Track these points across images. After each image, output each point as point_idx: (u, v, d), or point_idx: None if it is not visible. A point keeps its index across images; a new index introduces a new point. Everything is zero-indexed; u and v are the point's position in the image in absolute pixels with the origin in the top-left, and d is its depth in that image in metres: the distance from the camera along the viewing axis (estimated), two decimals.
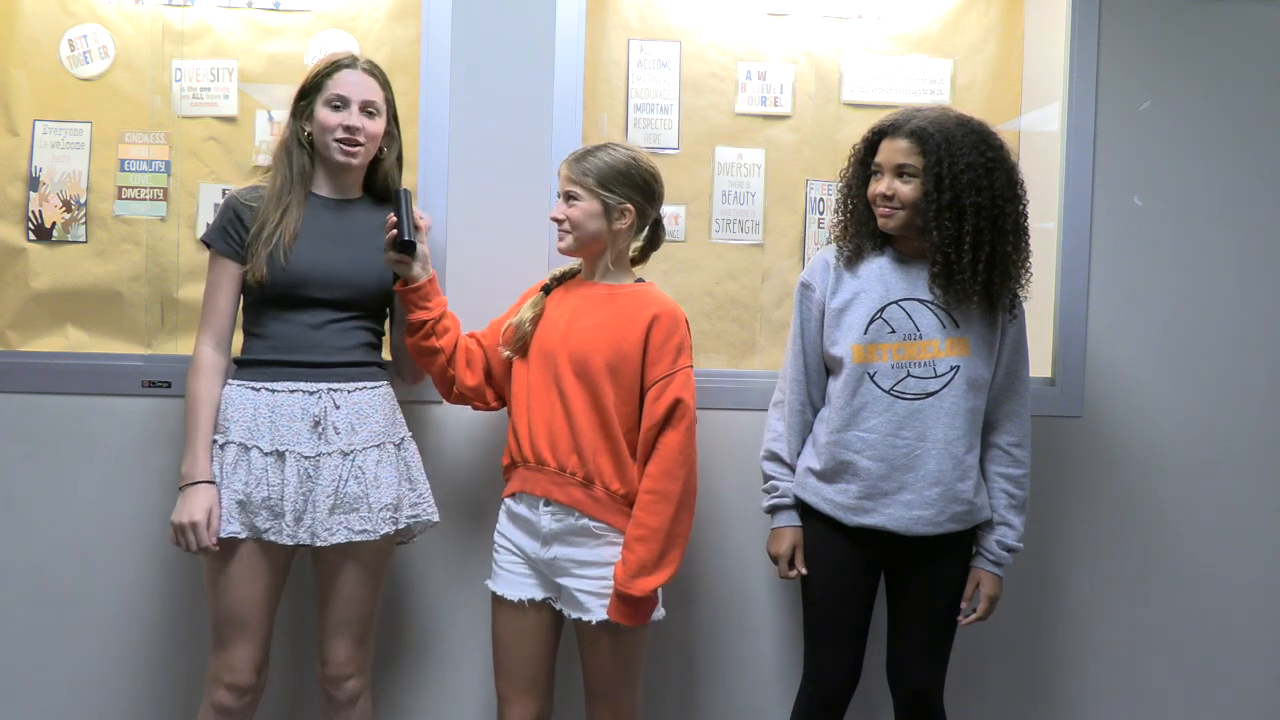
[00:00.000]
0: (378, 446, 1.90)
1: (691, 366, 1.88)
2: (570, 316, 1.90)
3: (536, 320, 1.93)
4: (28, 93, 2.30)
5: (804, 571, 1.96)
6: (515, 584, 1.91)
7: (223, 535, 1.82)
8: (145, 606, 2.19)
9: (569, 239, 1.91)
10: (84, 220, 2.31)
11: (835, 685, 1.94)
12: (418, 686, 2.25)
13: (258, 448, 1.84)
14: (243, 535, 1.83)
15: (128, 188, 2.31)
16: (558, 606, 1.91)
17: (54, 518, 2.17)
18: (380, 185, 2.01)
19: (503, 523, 1.96)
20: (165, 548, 2.17)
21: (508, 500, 1.95)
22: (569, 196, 1.89)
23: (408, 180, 2.30)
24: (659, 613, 1.88)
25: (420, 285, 1.91)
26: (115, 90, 2.31)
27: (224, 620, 1.86)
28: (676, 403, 1.82)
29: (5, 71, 2.29)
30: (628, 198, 1.88)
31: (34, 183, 2.29)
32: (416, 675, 2.25)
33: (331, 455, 1.85)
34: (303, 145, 1.94)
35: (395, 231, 1.85)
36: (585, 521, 1.85)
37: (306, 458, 1.84)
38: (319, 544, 1.83)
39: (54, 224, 2.30)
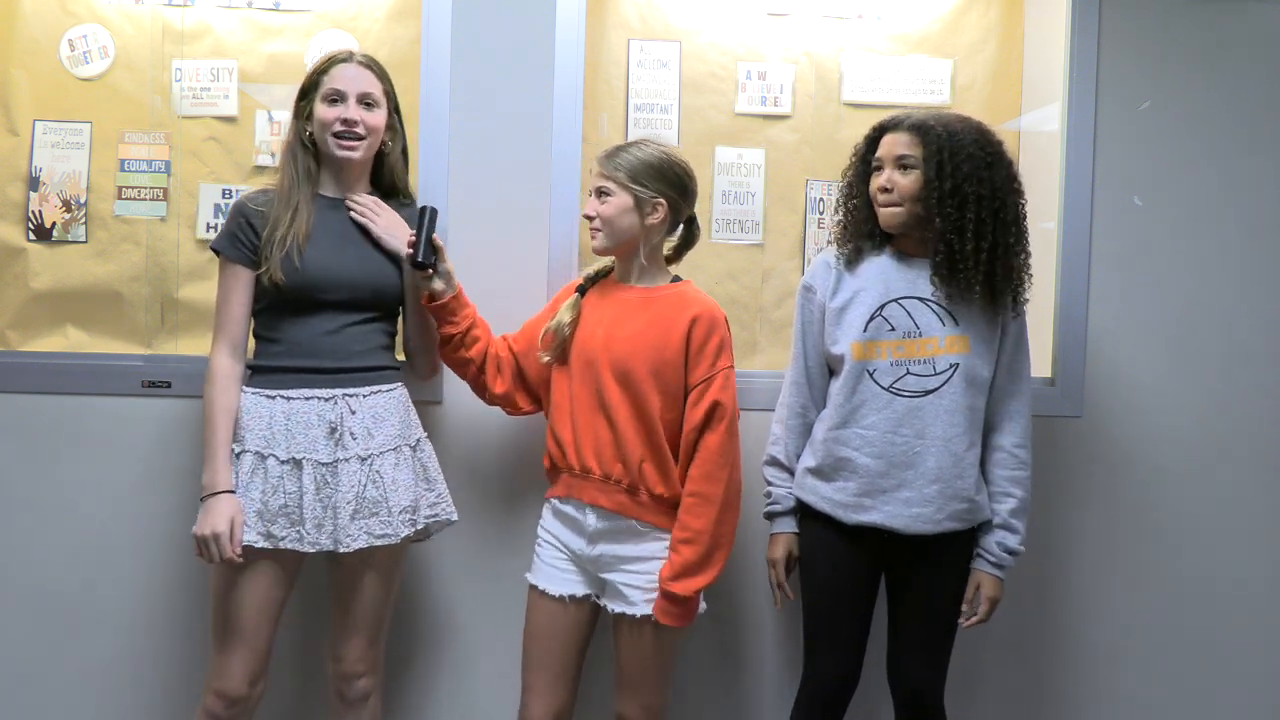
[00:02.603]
0: (394, 450, 1.90)
1: (732, 366, 1.90)
2: (610, 324, 1.90)
3: (575, 324, 1.93)
4: (28, 93, 2.30)
5: (791, 597, 1.99)
6: (557, 579, 1.93)
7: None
8: (146, 607, 2.19)
9: (601, 237, 1.91)
10: (84, 220, 2.31)
11: (834, 685, 1.94)
12: (428, 685, 2.24)
13: (274, 456, 1.83)
14: (259, 544, 1.81)
15: (128, 188, 2.31)
16: (601, 602, 1.92)
17: (53, 518, 2.17)
18: (387, 180, 2.01)
19: (547, 519, 1.98)
20: (166, 548, 2.18)
21: (553, 500, 1.96)
22: (600, 192, 1.90)
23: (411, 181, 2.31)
24: (701, 607, 1.90)
25: (445, 302, 1.92)
26: (115, 90, 2.31)
27: (225, 627, 1.85)
28: (715, 405, 1.85)
29: (5, 71, 2.29)
30: (660, 192, 1.88)
31: (34, 183, 2.29)
32: (427, 674, 2.24)
33: (349, 461, 1.84)
34: (306, 146, 1.93)
35: (410, 251, 1.87)
36: (632, 521, 1.87)
37: (324, 464, 1.84)
38: (341, 550, 1.83)
39: (54, 224, 2.30)
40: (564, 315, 1.94)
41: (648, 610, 1.85)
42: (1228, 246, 2.39)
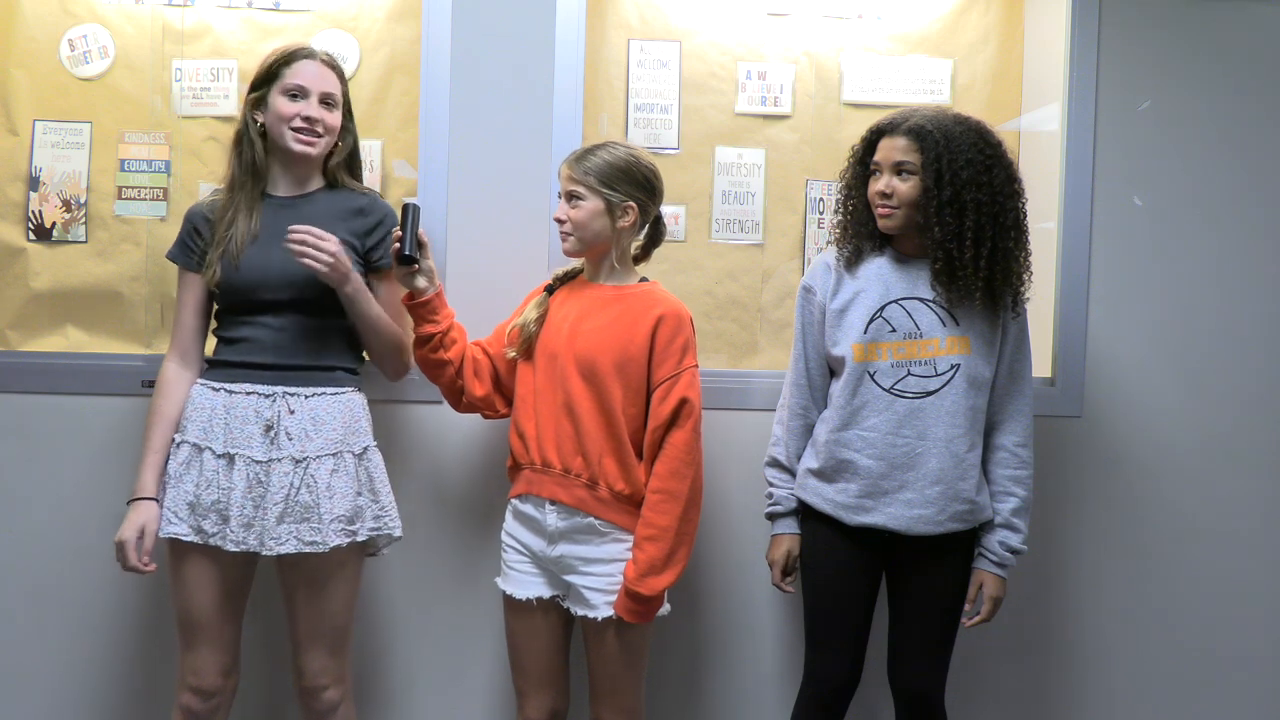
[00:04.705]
0: (333, 455, 1.85)
1: (697, 366, 1.90)
2: (576, 318, 1.91)
3: (541, 321, 1.94)
4: (28, 93, 2.29)
5: (790, 590, 1.99)
6: (523, 583, 1.92)
7: (165, 535, 1.82)
8: (145, 606, 2.19)
9: (572, 240, 1.91)
10: (84, 220, 2.31)
11: (835, 685, 1.94)
12: (412, 694, 2.24)
13: (210, 449, 1.82)
14: (188, 538, 1.81)
15: (128, 188, 2.31)
16: (565, 605, 1.91)
17: (53, 517, 2.17)
18: (330, 177, 1.98)
19: (509, 523, 1.97)
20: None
21: (514, 501, 1.95)
22: (571, 196, 1.90)
23: (408, 185, 2.31)
24: (664, 608, 1.89)
25: (427, 299, 1.92)
26: (115, 90, 2.31)
27: (184, 624, 1.85)
28: (682, 402, 1.84)
29: (5, 71, 2.29)
30: (630, 195, 1.89)
31: (34, 183, 2.29)
32: (406, 680, 2.24)
33: (283, 461, 1.81)
34: (253, 139, 1.90)
35: (398, 246, 1.85)
36: (591, 520, 1.86)
37: (257, 462, 1.81)
38: (266, 552, 1.80)
39: (54, 224, 2.30)
40: (530, 313, 1.95)
41: (609, 613, 1.84)
42: (1228, 246, 2.39)
